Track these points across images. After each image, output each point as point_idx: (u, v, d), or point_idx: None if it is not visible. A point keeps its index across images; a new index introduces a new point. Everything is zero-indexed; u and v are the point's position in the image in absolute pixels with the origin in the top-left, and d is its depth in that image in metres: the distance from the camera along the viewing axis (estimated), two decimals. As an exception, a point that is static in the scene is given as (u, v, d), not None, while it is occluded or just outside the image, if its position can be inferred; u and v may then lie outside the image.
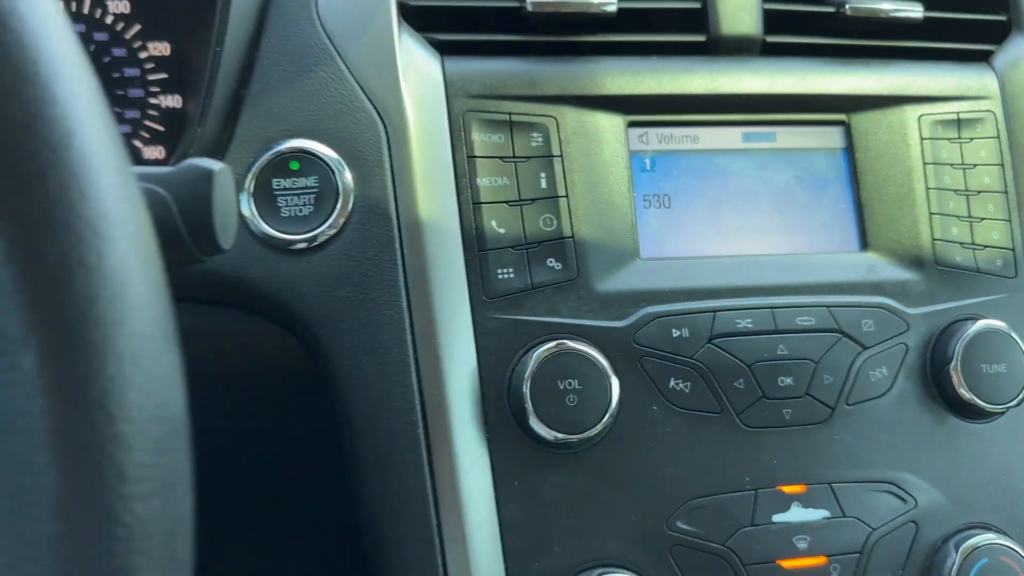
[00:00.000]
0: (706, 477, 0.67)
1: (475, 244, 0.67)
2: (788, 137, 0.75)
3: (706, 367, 0.68)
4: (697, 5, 0.75)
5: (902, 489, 0.70)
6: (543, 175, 0.69)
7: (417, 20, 0.71)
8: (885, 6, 0.76)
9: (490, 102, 0.69)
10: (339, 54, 0.69)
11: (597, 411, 0.64)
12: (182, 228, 0.41)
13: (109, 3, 0.70)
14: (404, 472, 0.66)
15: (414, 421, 0.66)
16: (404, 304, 0.66)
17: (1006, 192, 0.77)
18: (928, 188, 0.75)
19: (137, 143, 0.70)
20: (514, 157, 0.69)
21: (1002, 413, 0.72)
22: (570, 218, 0.69)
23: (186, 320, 0.37)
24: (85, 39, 0.69)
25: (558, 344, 0.65)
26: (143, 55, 0.70)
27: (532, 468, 0.65)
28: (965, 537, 0.70)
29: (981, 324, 0.72)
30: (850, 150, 0.76)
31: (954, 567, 0.69)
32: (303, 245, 0.67)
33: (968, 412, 0.72)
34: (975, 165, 0.77)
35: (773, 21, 0.76)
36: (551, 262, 0.68)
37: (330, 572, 1.10)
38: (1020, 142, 0.79)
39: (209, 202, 0.41)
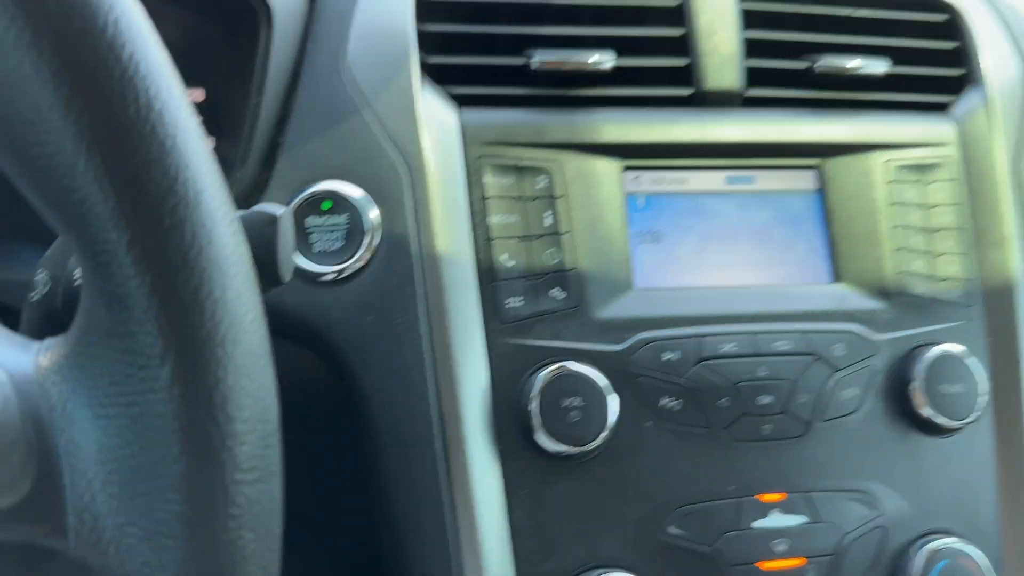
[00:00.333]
0: (695, 486, 0.70)
1: (488, 276, 0.70)
2: (767, 180, 0.78)
3: (695, 387, 0.71)
4: (685, 62, 0.78)
5: (872, 497, 0.73)
6: (548, 213, 0.72)
7: (436, 75, 0.74)
8: (852, 64, 0.80)
9: (501, 148, 0.72)
10: (367, 105, 0.72)
11: (597, 426, 0.67)
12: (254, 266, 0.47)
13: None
14: (423, 481, 0.69)
15: (432, 435, 0.68)
16: (424, 330, 0.69)
17: (964, 229, 0.80)
18: (893, 226, 0.78)
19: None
20: (522, 198, 0.72)
21: (960, 429, 0.75)
22: (572, 252, 0.72)
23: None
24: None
25: (561, 366, 0.68)
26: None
27: (539, 478, 0.68)
28: (928, 540, 0.73)
29: (941, 348, 0.75)
30: (823, 192, 0.79)
31: (918, 567, 0.72)
32: (333, 276, 0.70)
33: (930, 428, 0.74)
34: (936, 205, 0.80)
35: (753, 76, 0.79)
36: (555, 292, 0.70)
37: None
38: (976, 184, 0.81)
39: (275, 243, 0.45)
